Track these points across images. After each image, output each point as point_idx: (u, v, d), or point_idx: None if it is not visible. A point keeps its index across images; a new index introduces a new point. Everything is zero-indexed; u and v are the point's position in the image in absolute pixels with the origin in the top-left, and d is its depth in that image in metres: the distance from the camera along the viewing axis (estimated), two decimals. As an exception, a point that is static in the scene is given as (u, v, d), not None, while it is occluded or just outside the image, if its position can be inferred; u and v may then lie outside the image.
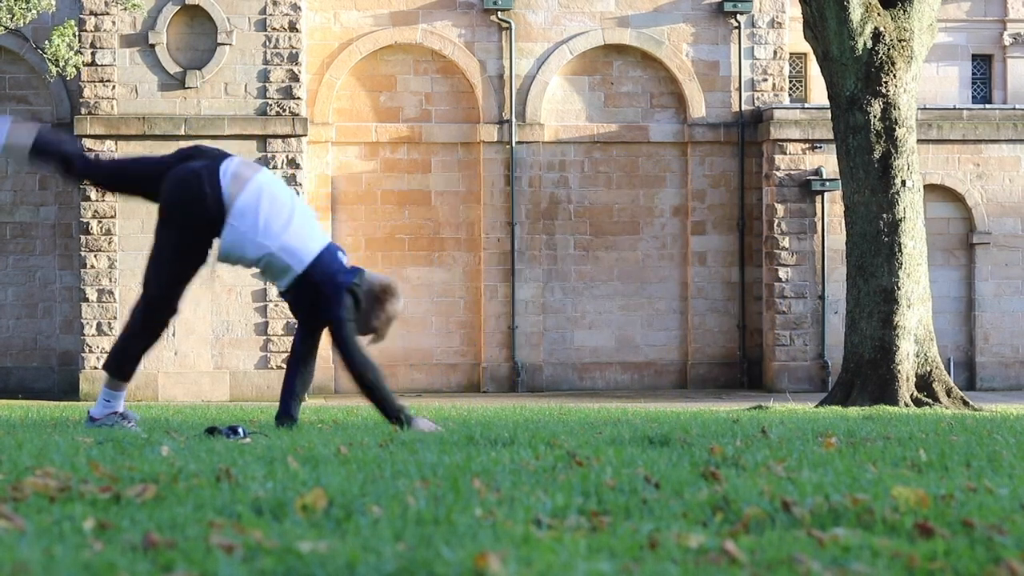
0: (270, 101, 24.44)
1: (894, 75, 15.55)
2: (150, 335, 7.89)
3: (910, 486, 4.05)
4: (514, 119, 25.94)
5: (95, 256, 24.19)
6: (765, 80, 26.37)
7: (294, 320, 26.08)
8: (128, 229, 24.27)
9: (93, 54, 24.20)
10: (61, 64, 20.76)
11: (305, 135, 24.51)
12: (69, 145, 7.76)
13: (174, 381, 24.16)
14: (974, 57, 29.06)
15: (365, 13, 26.07)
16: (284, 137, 24.37)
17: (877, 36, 15.61)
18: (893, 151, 15.51)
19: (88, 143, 24.22)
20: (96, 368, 24.15)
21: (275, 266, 7.53)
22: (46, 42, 21.48)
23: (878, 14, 15.69)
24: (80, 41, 23.33)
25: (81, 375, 24.13)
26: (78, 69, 21.94)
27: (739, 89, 26.34)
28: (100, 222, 24.21)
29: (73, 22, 21.52)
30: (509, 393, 25.22)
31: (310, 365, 8.10)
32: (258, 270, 7.69)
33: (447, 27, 26.10)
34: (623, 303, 26.22)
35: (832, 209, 25.40)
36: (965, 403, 15.21)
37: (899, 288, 15.43)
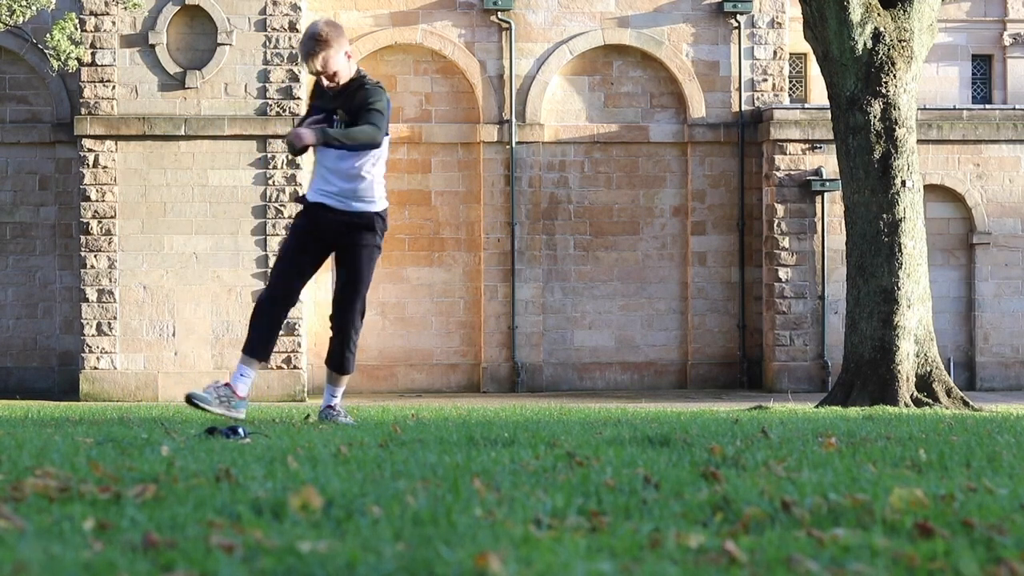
0: (270, 101, 24.44)
1: (894, 75, 15.55)
2: None
3: (910, 486, 4.05)
4: (514, 119, 25.95)
5: (95, 256, 24.19)
6: (765, 80, 26.37)
7: (294, 319, 26.36)
8: (128, 229, 24.27)
9: (93, 54, 24.20)
10: (62, 58, 20.75)
11: (305, 135, 24.48)
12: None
13: (174, 381, 24.16)
14: (974, 57, 29.06)
15: (365, 13, 26.07)
16: (284, 137, 24.35)
17: (877, 36, 15.61)
18: (893, 151, 15.50)
19: (88, 143, 24.23)
20: (96, 368, 24.15)
21: None
22: (47, 36, 21.47)
23: (878, 14, 15.69)
24: (81, 38, 23.32)
25: (81, 375, 24.13)
26: (80, 63, 21.93)
27: (739, 89, 26.34)
28: (100, 222, 24.21)
29: (74, 15, 21.51)
30: (509, 393, 25.22)
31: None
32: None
33: (447, 27, 26.10)
34: (623, 303, 26.22)
35: (832, 209, 25.40)
36: (965, 403, 15.20)
37: (899, 288, 15.42)
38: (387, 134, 8.50)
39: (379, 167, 8.57)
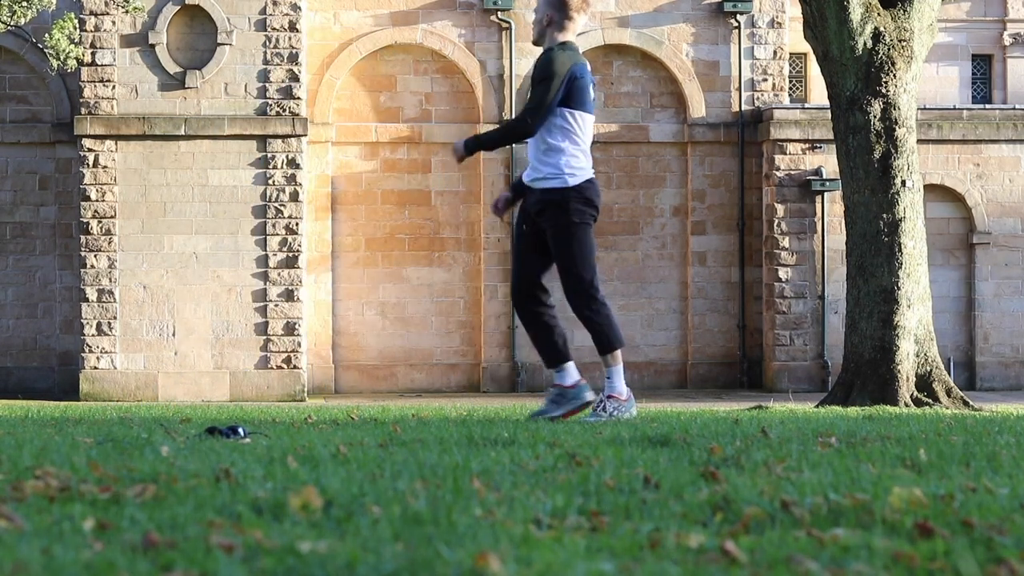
0: (270, 101, 24.44)
1: (894, 75, 15.55)
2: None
3: (910, 486, 4.05)
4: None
5: (95, 256, 24.19)
6: (765, 80, 26.37)
7: (294, 319, 26.25)
8: (128, 229, 24.27)
9: (93, 54, 24.20)
10: (61, 57, 20.75)
11: (305, 135, 24.51)
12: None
13: (174, 381, 24.17)
14: (974, 57, 29.06)
15: (365, 13, 26.07)
16: (284, 137, 24.37)
17: (877, 36, 15.60)
18: (893, 151, 15.50)
19: (88, 143, 24.24)
20: (96, 368, 24.14)
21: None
22: (46, 36, 21.48)
23: (878, 14, 15.68)
24: (80, 37, 23.31)
25: (81, 375, 24.14)
26: (79, 62, 21.93)
27: (739, 89, 26.34)
28: (100, 222, 24.21)
29: (73, 15, 21.52)
30: (509, 393, 25.21)
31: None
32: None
33: (447, 27, 26.10)
34: (623, 303, 26.22)
35: (832, 209, 25.40)
36: (965, 403, 15.19)
37: (899, 288, 15.41)
38: (584, 110, 8.18)
39: (567, 137, 8.21)
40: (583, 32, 26.19)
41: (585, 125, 8.26)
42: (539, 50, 8.53)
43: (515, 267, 8.58)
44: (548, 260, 8.49)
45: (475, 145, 8.45)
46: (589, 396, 8.31)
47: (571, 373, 8.45)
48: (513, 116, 25.91)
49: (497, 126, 8.42)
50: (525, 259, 8.49)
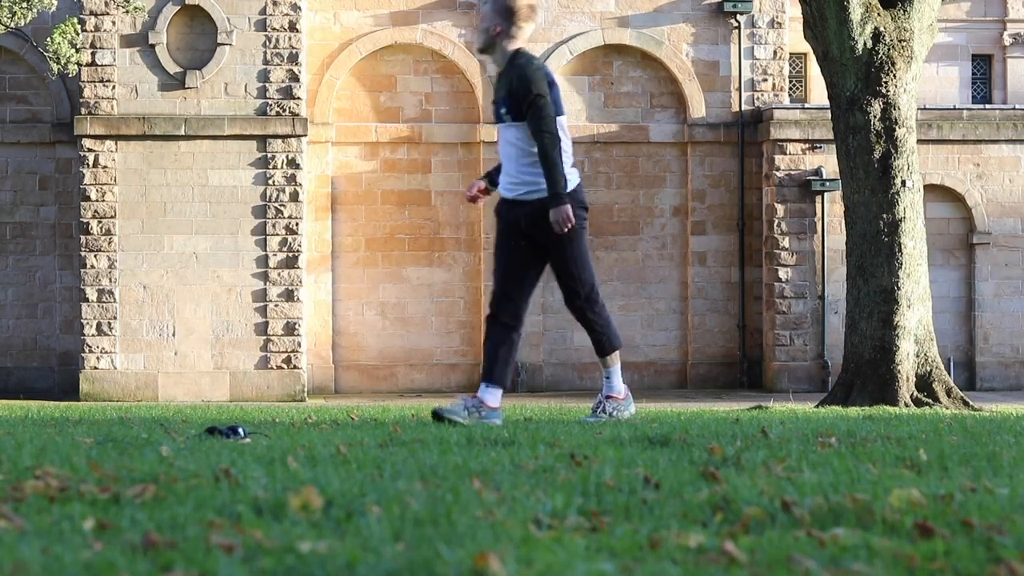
0: (270, 101, 24.44)
1: (894, 75, 15.55)
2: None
3: (909, 486, 4.05)
4: (514, 119, 25.93)
5: (95, 256, 24.19)
6: (765, 80, 26.37)
7: (294, 319, 26.26)
8: (128, 229, 24.27)
9: (93, 54, 24.20)
10: (62, 62, 20.76)
11: (305, 135, 24.51)
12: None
13: (174, 381, 24.16)
14: (974, 57, 29.05)
15: (365, 13, 26.06)
16: (284, 137, 24.37)
17: (877, 36, 15.60)
18: (893, 151, 15.50)
19: (88, 143, 24.24)
20: (96, 368, 24.15)
21: None
22: (47, 40, 21.50)
23: (878, 14, 15.68)
24: (81, 42, 23.33)
25: (81, 375, 24.13)
26: (79, 66, 21.93)
27: (739, 89, 26.34)
28: (100, 222, 24.21)
29: (75, 20, 21.51)
30: (509, 393, 25.15)
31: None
32: None
33: (447, 27, 26.09)
34: (623, 303, 26.22)
35: (832, 209, 25.40)
36: (965, 403, 15.19)
37: (899, 288, 15.42)
38: (560, 114, 8.12)
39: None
40: (583, 32, 26.21)
41: (565, 128, 8.28)
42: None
43: (502, 282, 8.56)
44: (539, 274, 8.60)
45: (555, 195, 8.24)
46: (498, 423, 8.07)
47: (498, 397, 8.37)
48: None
49: (541, 146, 8.18)
50: (518, 276, 8.52)
